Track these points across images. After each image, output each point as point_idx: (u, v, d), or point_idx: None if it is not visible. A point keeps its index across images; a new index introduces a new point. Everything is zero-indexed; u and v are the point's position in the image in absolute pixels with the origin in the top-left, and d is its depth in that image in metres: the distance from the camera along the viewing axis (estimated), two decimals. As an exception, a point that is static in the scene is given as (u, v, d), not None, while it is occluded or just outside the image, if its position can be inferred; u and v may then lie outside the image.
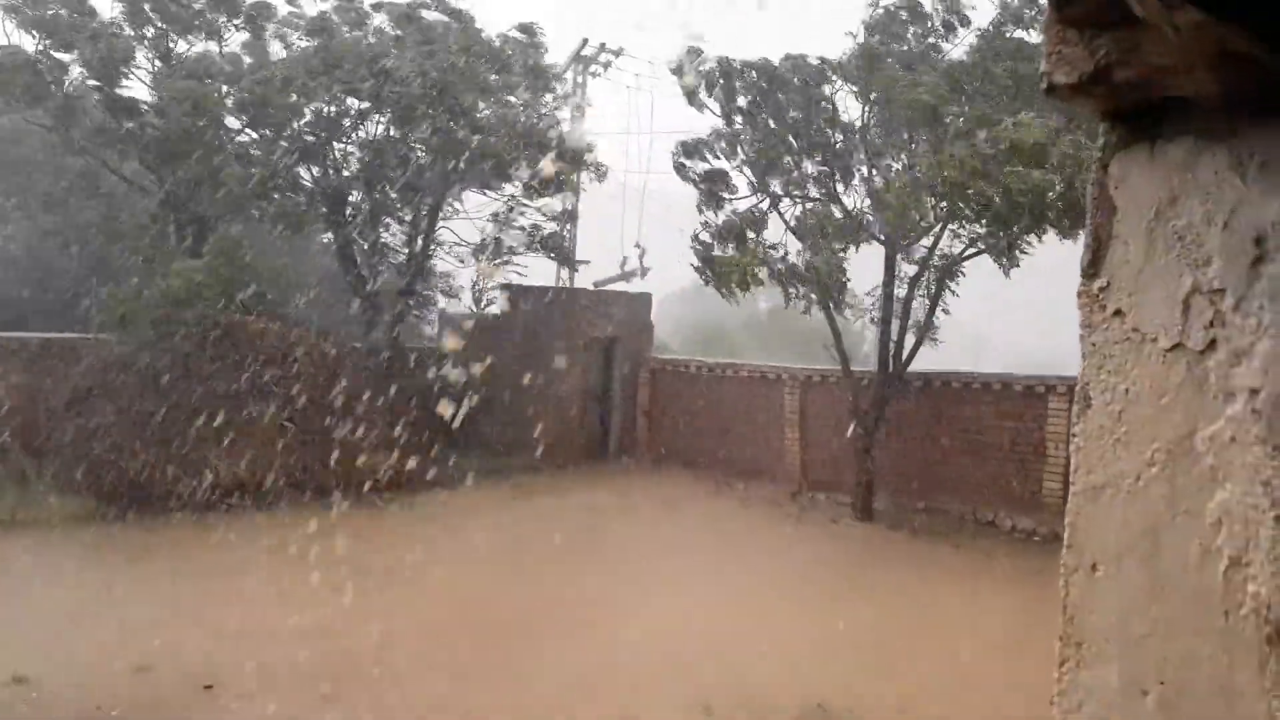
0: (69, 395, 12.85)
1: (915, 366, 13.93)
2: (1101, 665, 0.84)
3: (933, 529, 12.94)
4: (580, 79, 21.40)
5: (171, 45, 15.40)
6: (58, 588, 9.18)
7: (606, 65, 21.96)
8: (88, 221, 16.13)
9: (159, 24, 15.10)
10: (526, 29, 16.74)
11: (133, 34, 14.88)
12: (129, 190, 15.88)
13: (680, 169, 14.33)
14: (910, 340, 13.49)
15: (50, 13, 14.25)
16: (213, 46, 15.75)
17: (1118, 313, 0.83)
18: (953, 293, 13.22)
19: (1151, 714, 0.81)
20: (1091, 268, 0.84)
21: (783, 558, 11.68)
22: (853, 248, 13.04)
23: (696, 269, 14.24)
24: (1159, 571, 0.81)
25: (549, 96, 17.68)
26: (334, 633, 8.05)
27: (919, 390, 14.29)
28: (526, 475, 15.57)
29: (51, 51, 14.37)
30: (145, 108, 14.62)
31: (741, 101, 13.54)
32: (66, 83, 14.36)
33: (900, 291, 13.38)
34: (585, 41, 21.70)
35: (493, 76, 15.80)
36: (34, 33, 14.36)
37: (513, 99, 16.58)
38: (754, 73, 13.20)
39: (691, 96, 13.67)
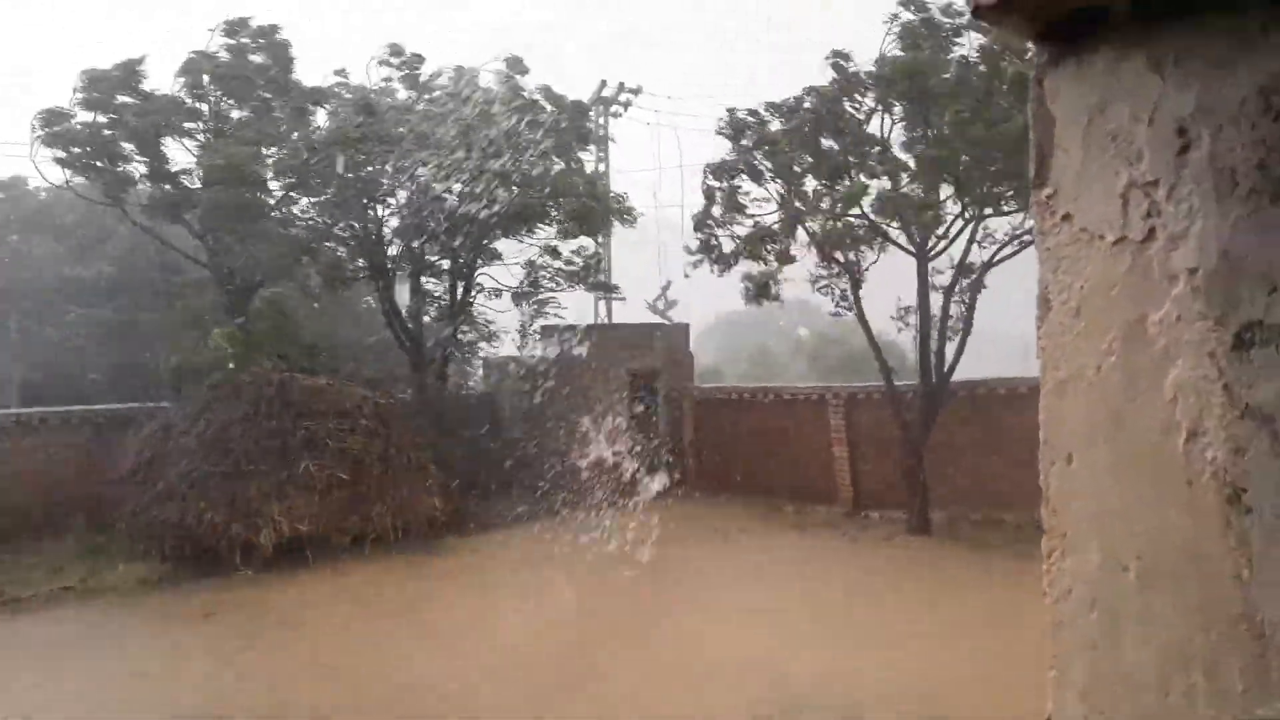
0: (132, 463, 13.22)
1: (962, 375, 13.82)
2: (1083, 549, 0.89)
3: (991, 540, 12.73)
4: (602, 119, 21.74)
5: (224, 113, 15.98)
6: (115, 650, 9.40)
7: (626, 105, 22.32)
8: (140, 290, 16.71)
9: (214, 95, 15.70)
10: (552, 96, 17.11)
11: (189, 103, 15.50)
12: (180, 258, 16.43)
13: (709, 194, 14.48)
14: (951, 349, 13.41)
15: (103, 90, 14.90)
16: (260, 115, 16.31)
17: (1066, 216, 0.89)
18: (979, 291, 13.18)
19: (1133, 587, 0.86)
20: (1039, 178, 0.91)
21: (842, 579, 11.57)
22: (880, 254, 13.11)
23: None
24: (1125, 451, 0.87)
25: (577, 140, 18.02)
26: (403, 674, 8.14)
27: (966, 399, 14.17)
28: (576, 515, 15.62)
29: (104, 129, 15.01)
30: (191, 175, 15.20)
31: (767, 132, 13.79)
32: (118, 156, 15.02)
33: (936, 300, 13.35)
34: (604, 83, 22.11)
35: (524, 130, 16.13)
36: (94, 111, 15.03)
37: (545, 149, 16.93)
38: (777, 113, 13.50)
39: (736, 140, 14.00)
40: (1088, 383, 0.88)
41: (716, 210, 14.37)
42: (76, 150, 14.70)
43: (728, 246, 14.34)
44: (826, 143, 13.40)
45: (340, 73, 16.65)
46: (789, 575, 11.74)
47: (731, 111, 14.08)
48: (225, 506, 12.19)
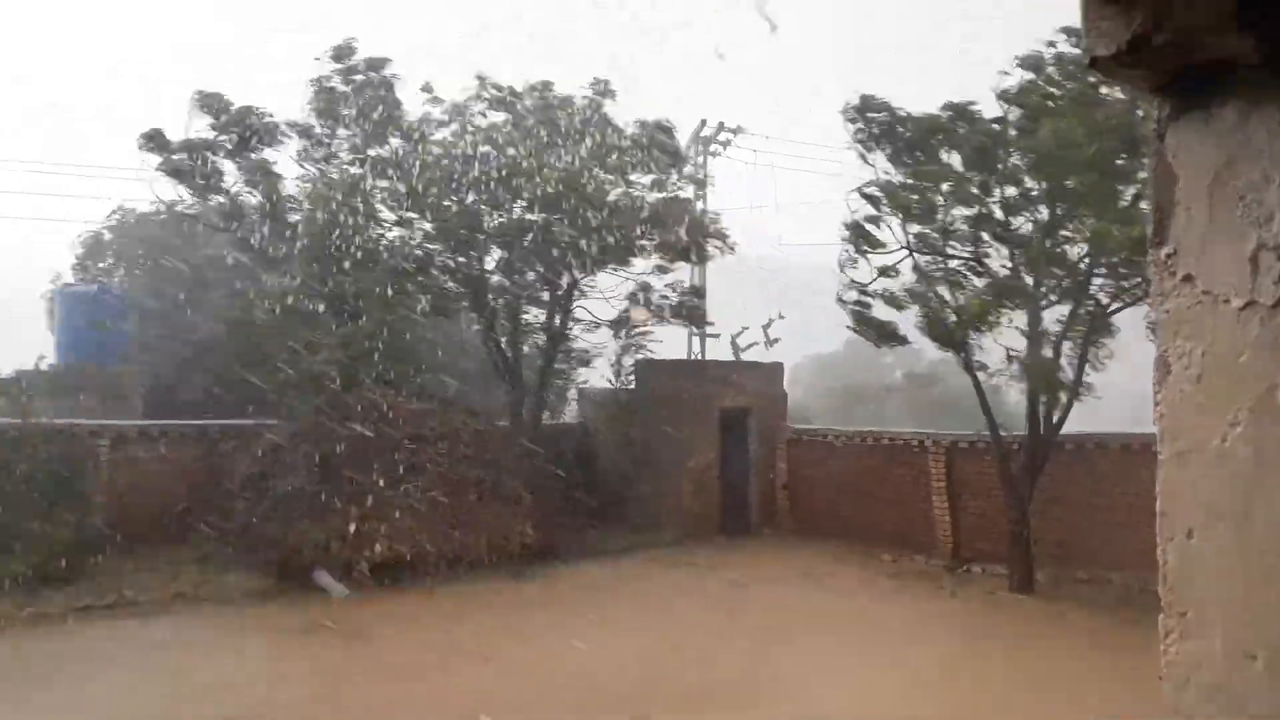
0: (243, 477, 13.77)
1: (1071, 428, 13.28)
2: (1205, 634, 0.83)
3: (1098, 601, 12.13)
4: (701, 158, 21.88)
5: (329, 140, 16.72)
6: (227, 657, 9.74)
7: (726, 144, 22.41)
8: (253, 312, 17.51)
9: (323, 122, 16.47)
10: (651, 127, 17.30)
11: (323, 131, 16.32)
12: (290, 282, 17.15)
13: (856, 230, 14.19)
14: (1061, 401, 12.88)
15: (215, 114, 15.80)
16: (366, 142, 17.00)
17: (1187, 278, 0.85)
18: (1096, 347, 12.62)
19: (1261, 678, 0.80)
20: (1157, 236, 0.86)
21: (938, 633, 11.18)
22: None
23: (854, 328, 14.13)
24: (1254, 531, 0.81)
25: (675, 176, 18.18)
26: (490, 699, 8.21)
27: (1074, 453, 13.60)
28: (666, 548, 15.56)
29: (213, 155, 15.89)
30: (299, 202, 15.93)
31: (898, 153, 13.45)
32: (232, 183, 15.90)
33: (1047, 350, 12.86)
34: (704, 122, 22.27)
35: (622, 159, 16.38)
36: (207, 138, 15.94)
37: (644, 182, 17.14)
38: (912, 125, 13.12)
39: (863, 144, 13.64)
40: (1212, 455, 0.83)
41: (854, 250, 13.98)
42: (195, 180, 15.60)
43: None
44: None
45: (432, 99, 17.13)
46: (883, 630, 11.36)
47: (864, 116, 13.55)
48: (326, 525, 12.55)
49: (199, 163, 15.68)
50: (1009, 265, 12.90)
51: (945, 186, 12.89)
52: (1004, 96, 12.48)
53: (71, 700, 8.13)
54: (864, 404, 29.93)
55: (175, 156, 15.59)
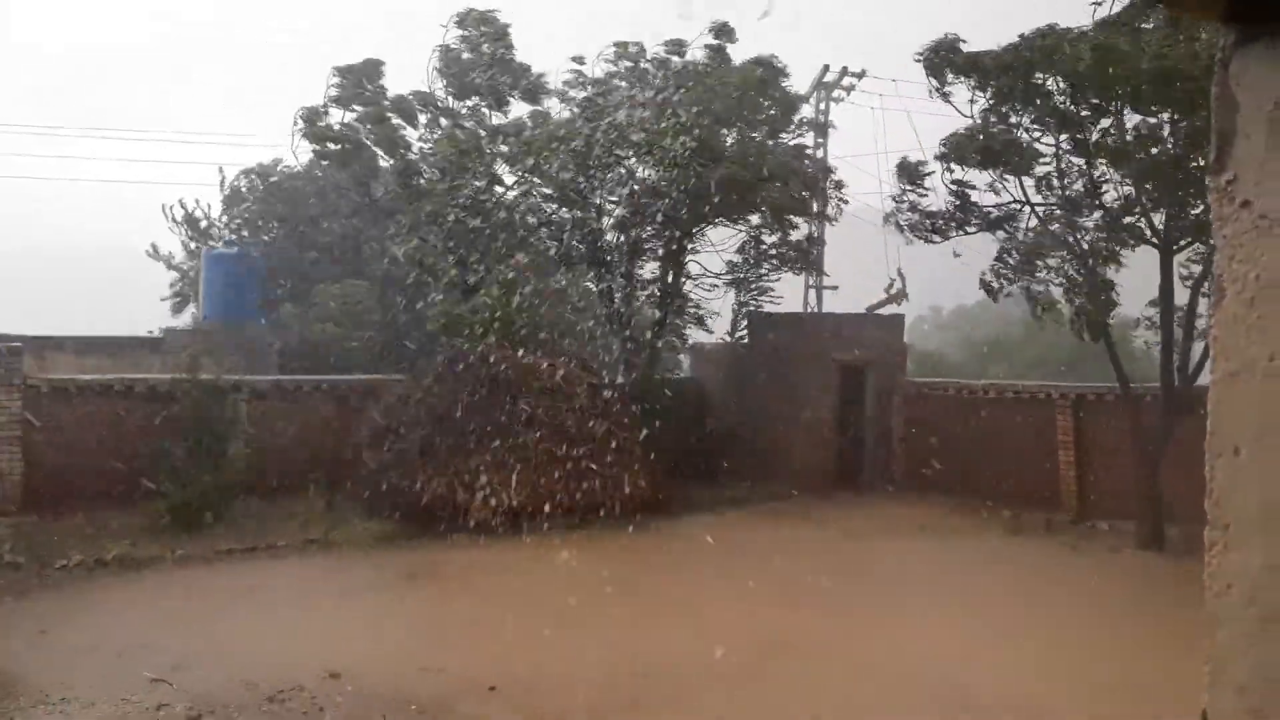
0: (370, 430, 14.48)
1: (1207, 379, 12.61)
2: (1246, 545, 0.87)
3: (1237, 560, 11.58)
4: (823, 105, 21.41)
5: (453, 106, 17.19)
6: (360, 598, 10.37)
7: (850, 89, 21.83)
8: (387, 273, 18.29)
9: (446, 87, 16.95)
10: (764, 62, 16.94)
11: (449, 103, 16.84)
12: (420, 244, 17.81)
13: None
14: (1197, 350, 12.27)
15: (350, 84, 16.47)
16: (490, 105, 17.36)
17: (1245, 203, 0.87)
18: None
19: (1297, 588, 0.83)
20: (1218, 163, 0.88)
21: (1061, 590, 10.88)
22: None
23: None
24: (1299, 449, 0.83)
25: (792, 125, 17.86)
26: (605, 643, 8.52)
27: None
28: (780, 502, 15.59)
29: (350, 123, 16.58)
30: (426, 163, 16.47)
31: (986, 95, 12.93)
32: (363, 147, 16.57)
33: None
34: (826, 68, 21.74)
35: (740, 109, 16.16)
36: (344, 107, 16.66)
37: (756, 135, 16.91)
38: (1002, 61, 12.56)
39: (940, 87, 13.18)
40: (1260, 375, 0.85)
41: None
42: (332, 146, 16.32)
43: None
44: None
45: (578, 59, 17.23)
46: (1001, 582, 11.16)
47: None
48: (448, 474, 13.12)
49: (340, 135, 16.48)
50: (1131, 202, 12.31)
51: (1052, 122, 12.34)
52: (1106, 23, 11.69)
53: (230, 632, 8.83)
54: (993, 359, 29.01)
55: (317, 125, 16.39)
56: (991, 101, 12.91)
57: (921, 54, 13.07)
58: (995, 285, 13.70)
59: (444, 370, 14.51)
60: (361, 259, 19.64)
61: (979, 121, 13.10)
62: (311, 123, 16.64)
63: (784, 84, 17.14)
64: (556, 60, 17.52)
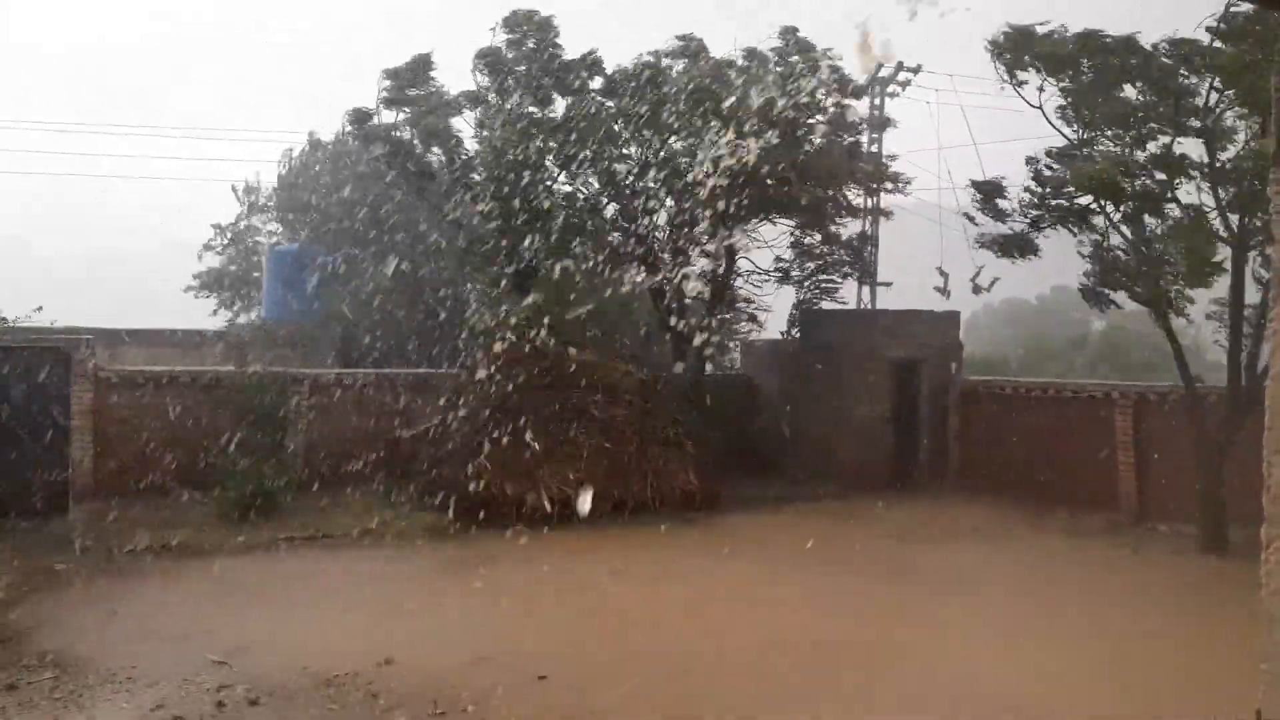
0: (427, 422, 14.70)
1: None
2: (1305, 542, 0.86)
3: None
4: (878, 99, 21.14)
5: (501, 104, 17.31)
6: (414, 587, 10.54)
7: (905, 84, 21.52)
8: (435, 268, 18.53)
9: (496, 86, 17.09)
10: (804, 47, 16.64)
11: (496, 100, 16.99)
12: (470, 241, 18.00)
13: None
14: (1266, 350, 11.88)
15: (400, 85, 16.71)
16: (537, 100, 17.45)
17: (1304, 196, 0.86)
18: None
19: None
20: (1277, 157, 0.87)
21: (1118, 595, 10.60)
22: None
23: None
24: (1359, 444, 0.82)
25: (847, 118, 17.68)
26: (657, 635, 8.57)
27: None
28: (830, 501, 15.48)
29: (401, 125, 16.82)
30: (476, 161, 16.63)
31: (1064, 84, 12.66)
32: (417, 149, 16.78)
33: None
34: (881, 64, 21.43)
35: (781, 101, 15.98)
36: (396, 109, 16.90)
37: (811, 126, 16.73)
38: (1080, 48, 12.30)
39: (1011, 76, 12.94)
40: (1318, 370, 0.84)
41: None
42: (384, 148, 16.59)
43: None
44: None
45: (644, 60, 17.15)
46: (1065, 587, 10.85)
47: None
48: (501, 468, 13.26)
49: (392, 137, 16.73)
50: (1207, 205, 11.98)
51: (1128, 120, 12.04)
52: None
53: (288, 618, 9.05)
54: (1053, 357, 28.48)
55: (368, 126, 16.67)
56: (1069, 100, 12.63)
57: (993, 43, 12.84)
58: (1090, 286, 13.47)
59: (499, 364, 14.67)
60: (415, 255, 19.90)
61: (1075, 140, 12.89)
62: (361, 124, 16.93)
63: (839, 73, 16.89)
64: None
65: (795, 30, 16.76)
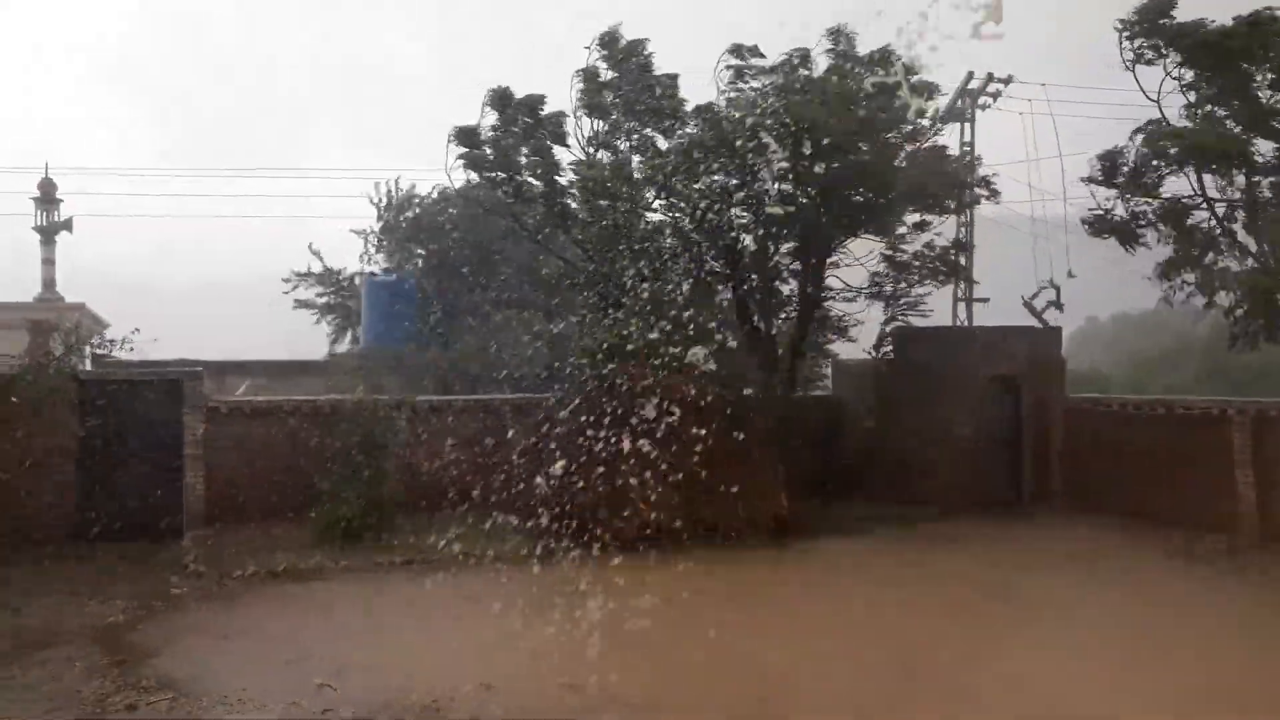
0: (519, 447, 14.92)
1: None
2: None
3: None
4: (969, 112, 20.74)
5: (597, 130, 17.60)
6: (511, 611, 10.59)
7: (996, 95, 21.06)
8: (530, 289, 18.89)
9: (592, 112, 17.40)
10: (884, 59, 16.32)
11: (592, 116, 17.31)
12: (567, 269, 18.29)
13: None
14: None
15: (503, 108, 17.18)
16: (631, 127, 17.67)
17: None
18: None
19: None
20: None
21: (1240, 628, 9.98)
22: None
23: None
24: None
25: (934, 130, 17.35)
26: (741, 665, 8.49)
27: None
28: (926, 524, 15.09)
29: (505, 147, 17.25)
30: (571, 189, 16.92)
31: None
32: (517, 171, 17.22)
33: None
34: (970, 75, 21.05)
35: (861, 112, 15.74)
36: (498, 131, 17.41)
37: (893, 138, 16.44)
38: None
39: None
40: None
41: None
42: (488, 172, 17.03)
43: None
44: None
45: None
46: (1189, 619, 10.23)
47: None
48: (594, 491, 13.35)
49: (497, 160, 17.18)
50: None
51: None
52: None
53: (388, 642, 9.28)
54: (1164, 371, 27.25)
55: (476, 151, 17.14)
56: (1201, 88, 12.10)
57: (1124, 22, 12.43)
58: (1168, 284, 12.89)
59: (591, 390, 14.81)
60: (512, 286, 20.35)
61: (1184, 111, 12.35)
62: (467, 143, 17.38)
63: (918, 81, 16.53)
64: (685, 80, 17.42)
65: (889, 50, 16.45)
